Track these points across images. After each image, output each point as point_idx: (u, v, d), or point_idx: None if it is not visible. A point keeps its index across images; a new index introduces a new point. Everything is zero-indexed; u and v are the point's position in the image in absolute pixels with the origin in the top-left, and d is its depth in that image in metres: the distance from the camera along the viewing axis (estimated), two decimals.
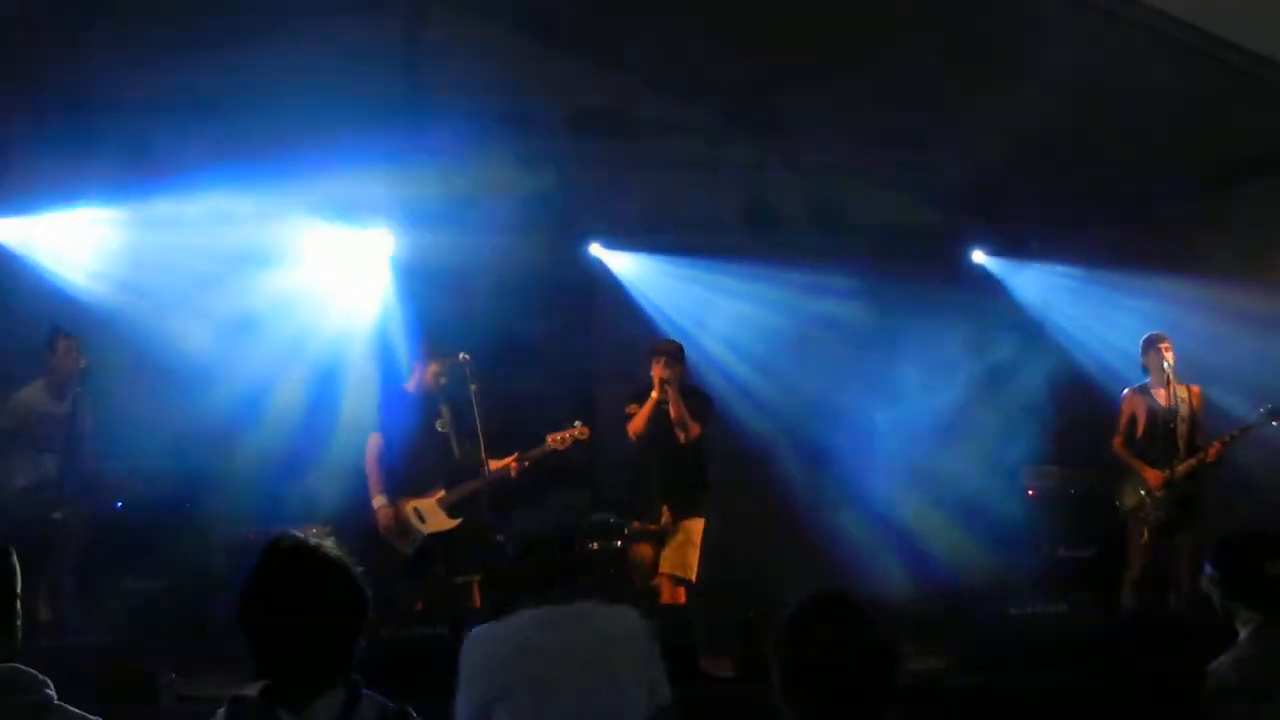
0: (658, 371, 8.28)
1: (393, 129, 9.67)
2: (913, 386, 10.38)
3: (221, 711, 2.74)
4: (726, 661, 7.73)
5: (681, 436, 8.34)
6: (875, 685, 2.86)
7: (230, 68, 9.39)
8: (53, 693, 3.07)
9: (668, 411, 8.33)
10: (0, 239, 9.15)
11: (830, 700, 2.84)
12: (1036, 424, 9.91)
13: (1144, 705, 3.09)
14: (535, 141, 9.91)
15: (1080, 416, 9.65)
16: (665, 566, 8.33)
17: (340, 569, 2.82)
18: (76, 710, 3.13)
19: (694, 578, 8.35)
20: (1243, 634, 3.89)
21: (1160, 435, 8.47)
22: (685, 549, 8.35)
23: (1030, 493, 10.32)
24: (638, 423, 8.37)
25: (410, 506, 7.97)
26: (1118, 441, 8.64)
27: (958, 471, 9.98)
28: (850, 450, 10.33)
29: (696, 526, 8.42)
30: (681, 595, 8.31)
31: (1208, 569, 4.09)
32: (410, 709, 2.81)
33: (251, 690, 2.72)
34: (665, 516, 8.38)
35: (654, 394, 8.30)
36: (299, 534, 2.87)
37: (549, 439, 8.15)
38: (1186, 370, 8.57)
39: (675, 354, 8.43)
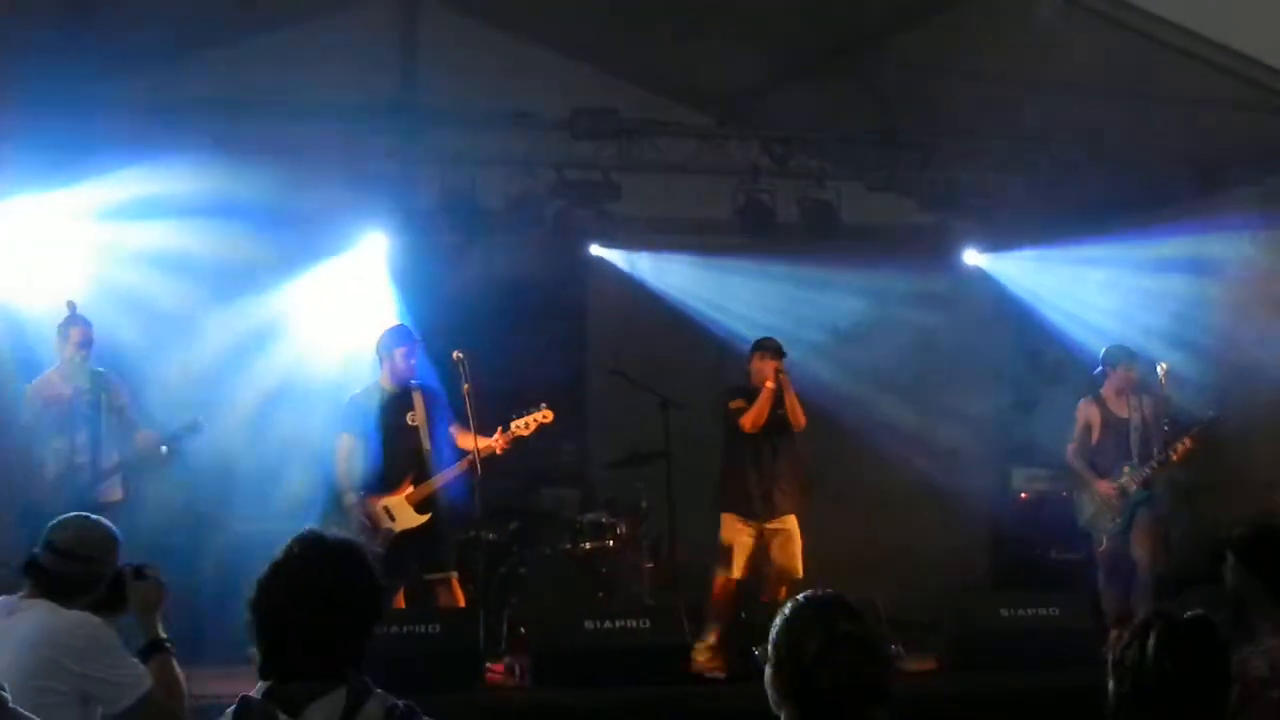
0: (772, 364, 8.37)
1: (389, 130, 9.66)
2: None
3: (230, 711, 2.73)
4: (719, 662, 7.75)
5: (796, 426, 8.41)
6: (866, 683, 2.87)
7: (226, 67, 9.39)
8: (8, 694, 3.07)
9: (775, 404, 8.38)
10: None
11: (822, 698, 2.86)
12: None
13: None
14: (531, 143, 9.90)
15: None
16: (777, 564, 8.34)
17: (358, 566, 2.81)
18: (27, 714, 3.13)
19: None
20: (1268, 627, 3.92)
21: (1114, 444, 8.52)
22: (791, 546, 8.37)
23: (1023, 496, 10.33)
24: (758, 415, 8.34)
25: (380, 505, 7.84)
26: (1072, 449, 8.65)
27: None
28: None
29: (795, 523, 8.44)
30: (783, 594, 8.21)
31: (1231, 558, 4.09)
32: (416, 708, 2.79)
33: (257, 691, 2.71)
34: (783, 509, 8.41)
35: (769, 384, 8.32)
36: (320, 530, 2.86)
37: (512, 424, 8.01)
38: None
39: (780, 350, 8.55)
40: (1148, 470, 8.36)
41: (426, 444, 7.95)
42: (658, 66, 10.31)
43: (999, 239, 10.73)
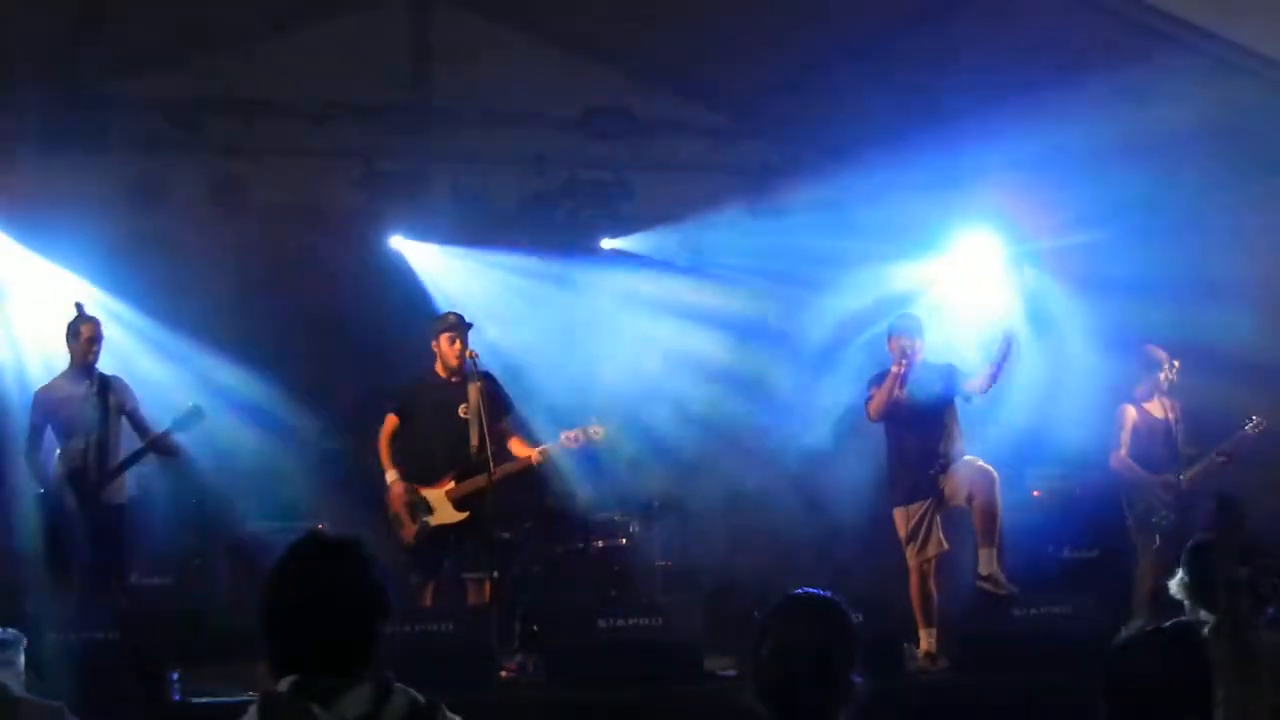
0: (895, 344, 7.97)
1: (401, 130, 9.70)
2: None
3: (254, 709, 2.73)
4: (730, 659, 7.75)
5: (869, 416, 8.11)
6: (816, 685, 2.92)
7: (238, 69, 9.43)
8: (15, 691, 3.09)
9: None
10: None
11: (775, 698, 2.93)
12: None
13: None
14: (544, 142, 9.93)
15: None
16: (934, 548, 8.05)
17: (366, 562, 2.84)
18: (41, 700, 3.14)
19: None
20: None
21: (1160, 445, 8.52)
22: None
23: (1036, 493, 10.30)
24: (879, 402, 7.94)
25: (420, 496, 7.81)
26: (1118, 455, 8.60)
27: None
28: None
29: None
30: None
31: (1180, 574, 4.11)
32: (439, 703, 2.81)
33: (283, 685, 2.72)
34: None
35: (894, 368, 7.92)
36: (326, 530, 2.89)
37: (562, 437, 7.91)
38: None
39: (907, 329, 8.05)
40: (1199, 468, 8.37)
41: (476, 440, 7.74)
42: (669, 66, 10.32)
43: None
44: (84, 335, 7.81)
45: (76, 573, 7.56)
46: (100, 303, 8.52)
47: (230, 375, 9.46)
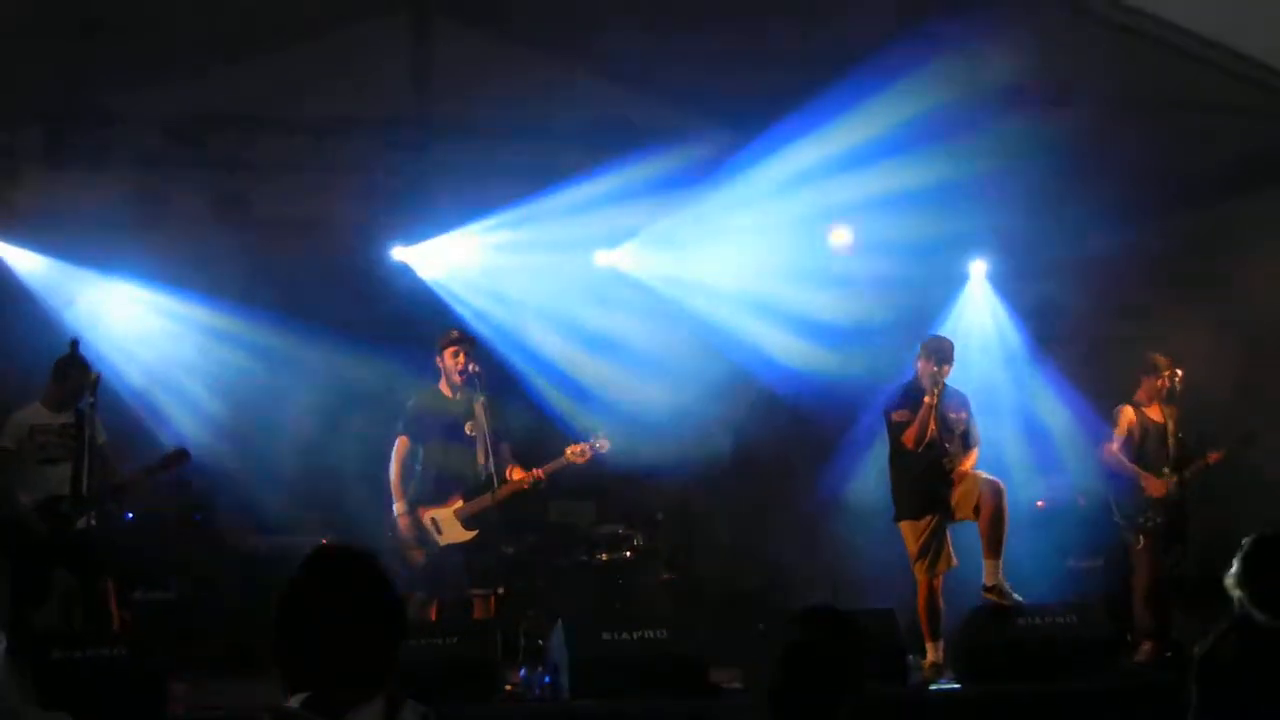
0: (930, 369, 7.89)
1: (402, 143, 9.72)
2: None
3: None
4: (735, 673, 7.73)
5: (907, 442, 8.01)
6: (828, 694, 2.98)
7: (240, 83, 9.45)
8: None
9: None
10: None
11: (785, 708, 3.00)
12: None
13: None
14: (545, 154, 9.93)
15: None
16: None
17: (382, 577, 2.83)
18: (44, 712, 3.14)
19: None
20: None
21: (1155, 449, 8.56)
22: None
23: (1039, 504, 10.29)
24: (920, 432, 7.89)
25: (428, 516, 7.78)
26: (1111, 448, 8.62)
27: None
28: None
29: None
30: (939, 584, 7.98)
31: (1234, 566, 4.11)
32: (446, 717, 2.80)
33: (294, 702, 2.71)
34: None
35: (927, 399, 7.87)
36: (336, 543, 2.87)
37: (567, 451, 7.92)
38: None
39: (942, 354, 7.94)
40: (1188, 473, 8.41)
41: (482, 457, 7.75)
42: (671, 78, 10.33)
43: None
44: (70, 381, 7.79)
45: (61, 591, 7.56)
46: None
47: (231, 389, 9.48)
